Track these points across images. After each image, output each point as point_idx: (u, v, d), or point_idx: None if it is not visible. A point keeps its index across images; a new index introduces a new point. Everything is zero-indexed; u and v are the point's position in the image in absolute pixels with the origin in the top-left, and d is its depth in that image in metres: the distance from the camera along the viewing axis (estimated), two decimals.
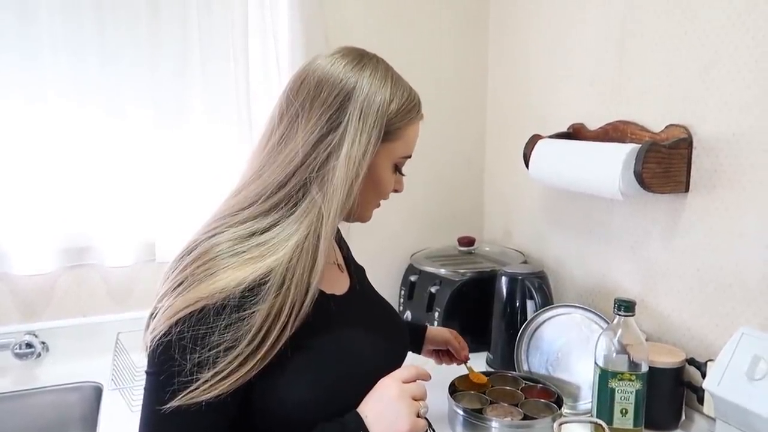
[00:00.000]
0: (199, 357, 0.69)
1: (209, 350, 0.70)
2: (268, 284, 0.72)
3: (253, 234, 0.75)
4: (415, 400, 0.76)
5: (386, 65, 0.86)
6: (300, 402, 0.76)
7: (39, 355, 1.42)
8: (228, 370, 0.70)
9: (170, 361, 0.70)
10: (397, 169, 0.89)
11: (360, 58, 0.83)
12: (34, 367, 1.43)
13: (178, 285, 0.73)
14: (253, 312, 0.71)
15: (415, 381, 0.79)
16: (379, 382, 0.78)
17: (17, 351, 1.40)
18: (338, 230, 1.04)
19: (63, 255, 1.46)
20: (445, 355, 1.22)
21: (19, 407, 1.36)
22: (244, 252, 0.73)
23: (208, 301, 0.70)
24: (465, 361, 1.19)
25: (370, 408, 0.75)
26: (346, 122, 0.78)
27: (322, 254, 0.76)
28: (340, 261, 0.98)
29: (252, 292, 0.71)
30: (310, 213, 0.76)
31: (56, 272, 1.46)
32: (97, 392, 1.37)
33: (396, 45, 1.66)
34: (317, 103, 0.79)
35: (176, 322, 0.70)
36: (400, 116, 0.83)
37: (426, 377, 0.81)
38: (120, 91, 1.43)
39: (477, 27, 1.79)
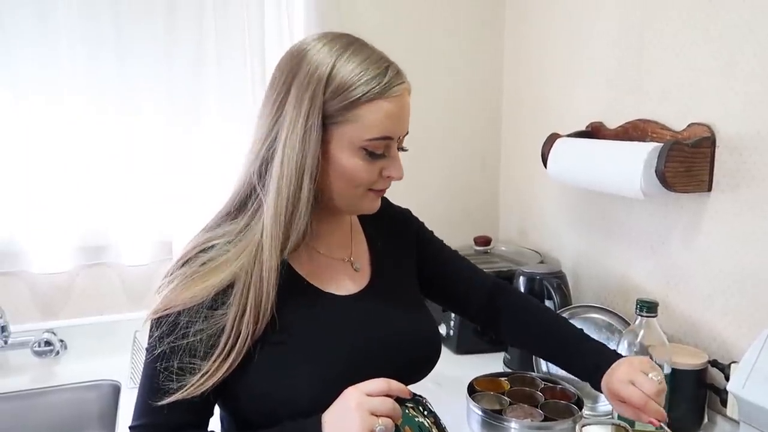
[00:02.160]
0: (179, 360, 0.75)
1: (188, 354, 0.75)
2: (233, 288, 0.75)
3: (229, 241, 0.78)
4: (377, 415, 0.71)
5: (351, 39, 0.78)
6: (263, 395, 0.77)
7: (58, 353, 1.43)
8: (212, 369, 0.74)
9: (153, 361, 0.75)
10: (373, 153, 0.78)
11: (326, 34, 0.78)
12: (53, 364, 1.44)
13: (163, 286, 0.78)
14: (224, 314, 0.75)
15: (383, 395, 0.73)
16: (345, 390, 0.74)
17: (36, 349, 1.41)
18: (400, 222, 1.01)
19: (81, 253, 1.47)
20: (628, 406, 0.88)
21: (38, 405, 1.37)
22: (220, 258, 0.76)
23: (182, 306, 0.75)
24: (658, 425, 0.86)
25: (329, 415, 0.73)
26: (284, 111, 0.74)
27: (271, 253, 0.75)
28: (357, 258, 0.91)
29: (220, 296, 0.75)
30: (259, 217, 0.77)
31: (74, 270, 1.47)
32: (116, 390, 1.37)
33: (412, 45, 1.65)
34: (268, 93, 0.77)
35: (157, 322, 0.76)
36: (345, 94, 0.74)
37: (401, 393, 0.74)
38: (136, 90, 1.44)
39: (493, 24, 1.77)
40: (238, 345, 0.74)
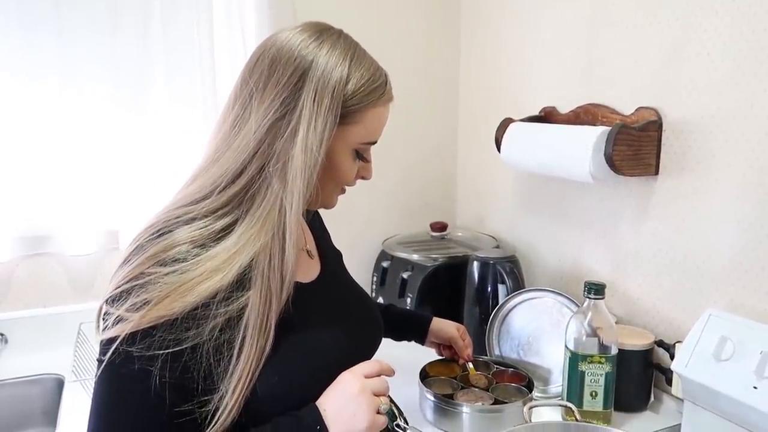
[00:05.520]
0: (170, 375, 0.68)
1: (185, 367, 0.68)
2: (243, 287, 0.71)
3: (215, 233, 0.72)
4: (377, 395, 0.74)
5: (349, 40, 0.80)
6: (257, 395, 0.73)
7: None
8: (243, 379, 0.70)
9: (137, 382, 0.69)
10: (360, 155, 0.82)
11: (320, 33, 0.78)
12: None
13: (137, 289, 0.68)
14: (231, 313, 0.70)
15: (377, 376, 0.76)
16: (341, 375, 0.75)
17: None
18: (316, 213, 1.01)
19: (21, 243, 1.41)
20: (447, 349, 1.18)
21: None
22: (210, 256, 0.70)
23: (178, 315, 0.68)
24: (467, 361, 1.16)
25: (330, 403, 0.73)
26: (301, 105, 0.73)
27: (291, 248, 0.73)
28: (311, 247, 0.94)
29: (226, 298, 0.70)
30: (273, 207, 0.73)
31: (14, 261, 1.41)
32: (59, 384, 1.32)
33: (367, 32, 1.60)
34: (271, 83, 0.74)
35: (140, 336, 0.68)
36: (359, 98, 0.77)
37: (389, 372, 0.78)
38: (77, 66, 1.36)
39: (449, 11, 1.76)
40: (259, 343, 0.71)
